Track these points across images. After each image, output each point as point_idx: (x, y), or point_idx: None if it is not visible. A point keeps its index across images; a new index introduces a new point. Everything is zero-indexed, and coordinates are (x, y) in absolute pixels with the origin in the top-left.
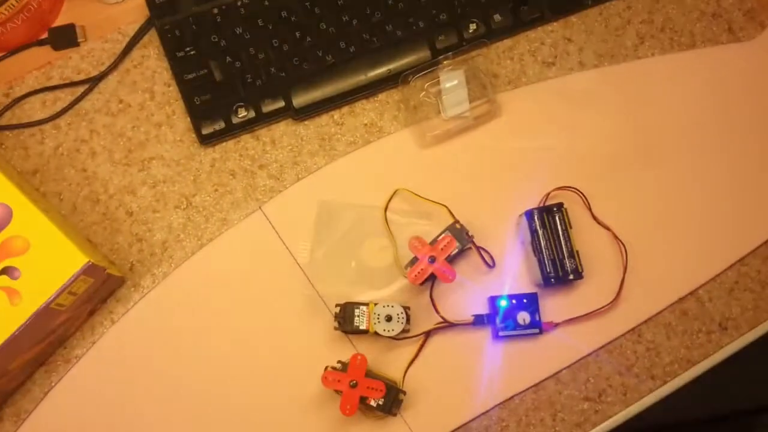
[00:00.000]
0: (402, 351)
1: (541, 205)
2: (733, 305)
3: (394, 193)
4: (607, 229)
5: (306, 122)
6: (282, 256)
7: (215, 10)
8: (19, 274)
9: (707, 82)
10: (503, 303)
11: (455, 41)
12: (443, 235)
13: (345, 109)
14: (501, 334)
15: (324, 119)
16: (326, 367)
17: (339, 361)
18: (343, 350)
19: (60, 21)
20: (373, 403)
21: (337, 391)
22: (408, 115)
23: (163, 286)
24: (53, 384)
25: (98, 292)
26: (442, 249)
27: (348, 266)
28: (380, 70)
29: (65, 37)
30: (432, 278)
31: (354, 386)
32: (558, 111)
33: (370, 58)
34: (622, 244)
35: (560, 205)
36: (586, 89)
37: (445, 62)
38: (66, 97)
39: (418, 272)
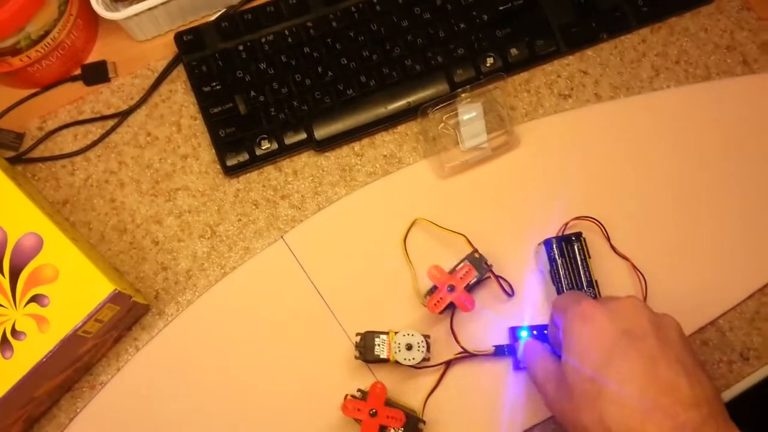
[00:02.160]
0: (422, 380)
1: (560, 234)
2: (754, 335)
3: (413, 222)
4: (626, 259)
5: (327, 153)
6: (303, 284)
7: (240, 47)
8: (48, 302)
9: (723, 113)
10: (524, 334)
11: (473, 75)
12: (462, 264)
13: (365, 141)
14: (522, 365)
15: (344, 151)
16: (346, 396)
17: (359, 390)
18: (363, 379)
19: (92, 58)
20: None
21: (356, 420)
22: (427, 147)
23: (187, 313)
24: (78, 410)
25: (124, 320)
26: (461, 278)
27: (368, 295)
28: (399, 103)
29: (97, 73)
30: (451, 307)
31: (374, 415)
32: (575, 142)
33: (390, 91)
34: (641, 274)
35: (579, 235)
36: (603, 121)
37: (463, 95)
38: (96, 130)
39: (438, 301)
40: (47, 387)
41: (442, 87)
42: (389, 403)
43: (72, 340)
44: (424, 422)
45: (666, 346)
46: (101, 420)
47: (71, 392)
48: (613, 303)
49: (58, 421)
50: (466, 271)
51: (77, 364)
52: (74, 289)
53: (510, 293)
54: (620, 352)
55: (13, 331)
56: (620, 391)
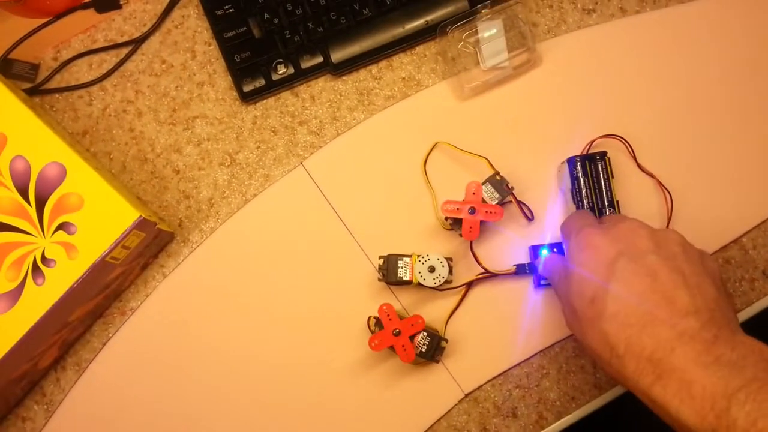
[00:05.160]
0: (444, 302)
1: (584, 153)
2: None
3: (433, 146)
4: (652, 176)
5: (344, 77)
6: (324, 209)
7: None
8: (75, 230)
9: (756, 25)
10: (545, 252)
11: None
12: (468, 185)
13: (383, 63)
14: (543, 282)
15: (362, 74)
16: (368, 319)
17: (369, 320)
18: (387, 301)
19: None
20: (421, 342)
21: (390, 349)
22: (446, 68)
23: (211, 240)
24: (110, 335)
25: (150, 247)
26: (474, 194)
27: (389, 219)
28: (417, 22)
29: (108, 0)
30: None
31: (398, 334)
32: (599, 58)
33: (407, 10)
34: (668, 191)
35: (603, 154)
36: (628, 36)
37: (483, 11)
38: (111, 59)
39: (470, 227)
40: (80, 313)
41: (461, 4)
42: (401, 316)
43: (101, 266)
44: (446, 340)
45: (665, 260)
46: (133, 344)
47: (103, 318)
48: (614, 228)
49: (91, 346)
50: (475, 188)
51: (107, 290)
52: (100, 216)
53: (530, 217)
54: (619, 272)
55: (44, 259)
56: (618, 309)
